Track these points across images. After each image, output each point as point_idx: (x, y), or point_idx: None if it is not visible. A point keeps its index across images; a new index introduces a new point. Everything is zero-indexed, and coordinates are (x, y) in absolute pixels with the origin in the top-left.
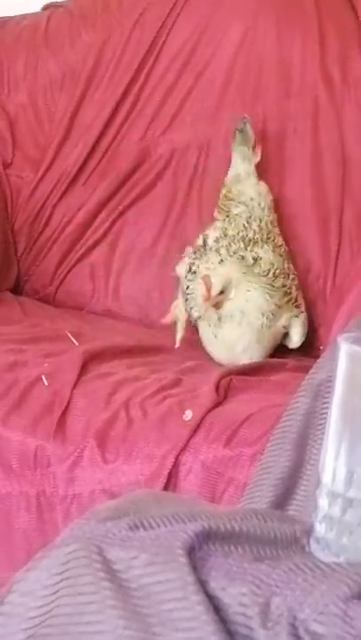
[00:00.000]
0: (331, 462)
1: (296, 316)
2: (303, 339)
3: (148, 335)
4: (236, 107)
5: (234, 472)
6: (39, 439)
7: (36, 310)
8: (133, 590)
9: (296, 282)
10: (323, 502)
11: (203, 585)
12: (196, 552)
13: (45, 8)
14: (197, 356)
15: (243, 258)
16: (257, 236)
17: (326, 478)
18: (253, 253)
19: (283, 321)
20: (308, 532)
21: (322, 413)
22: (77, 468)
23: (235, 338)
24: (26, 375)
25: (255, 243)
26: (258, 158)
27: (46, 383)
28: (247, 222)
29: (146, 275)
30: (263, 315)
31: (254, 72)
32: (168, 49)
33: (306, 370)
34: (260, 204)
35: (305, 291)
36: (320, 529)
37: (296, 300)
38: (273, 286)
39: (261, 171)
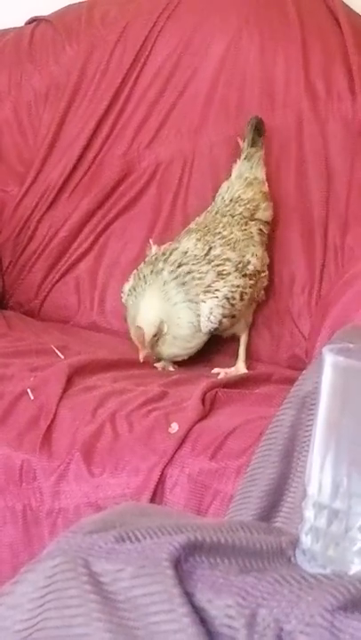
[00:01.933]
0: (316, 474)
1: (203, 302)
2: (212, 324)
3: (133, 348)
4: (220, 121)
5: (220, 484)
6: (25, 453)
7: (21, 324)
8: (120, 603)
9: (224, 268)
10: (309, 514)
11: (189, 597)
12: (183, 564)
13: (29, 22)
14: (182, 368)
15: (163, 253)
16: (193, 226)
17: (312, 490)
18: (176, 244)
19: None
20: (295, 543)
21: (307, 425)
22: (63, 481)
23: (171, 352)
24: (11, 389)
25: (185, 234)
26: (243, 152)
27: (32, 397)
28: (199, 216)
29: None
30: (195, 326)
31: (238, 86)
32: (152, 63)
33: (291, 382)
34: (222, 198)
35: (290, 303)
36: (306, 540)
37: (210, 286)
38: (180, 283)
39: None
